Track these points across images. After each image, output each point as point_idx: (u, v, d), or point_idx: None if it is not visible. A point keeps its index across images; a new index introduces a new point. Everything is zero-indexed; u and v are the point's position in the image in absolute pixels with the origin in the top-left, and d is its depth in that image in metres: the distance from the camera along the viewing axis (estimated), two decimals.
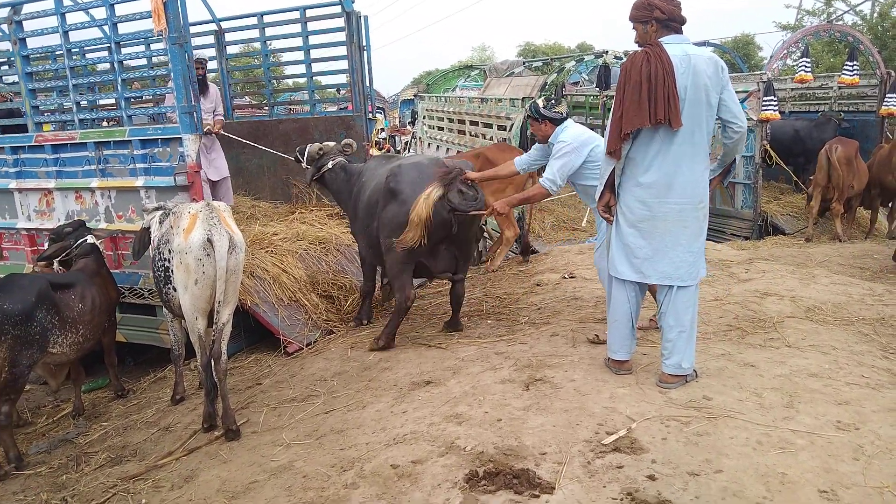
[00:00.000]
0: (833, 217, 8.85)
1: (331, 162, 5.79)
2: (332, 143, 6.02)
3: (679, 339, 3.64)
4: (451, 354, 4.63)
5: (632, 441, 3.12)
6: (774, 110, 9.06)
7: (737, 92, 8.37)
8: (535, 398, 3.67)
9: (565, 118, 4.67)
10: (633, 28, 3.64)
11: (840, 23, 18.67)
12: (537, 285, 6.28)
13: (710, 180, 3.75)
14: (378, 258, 5.30)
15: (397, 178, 4.90)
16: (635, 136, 3.57)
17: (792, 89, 12.29)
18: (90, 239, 5.23)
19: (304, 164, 6.01)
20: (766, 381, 3.72)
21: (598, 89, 12.24)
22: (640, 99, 3.44)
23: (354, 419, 3.85)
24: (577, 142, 4.52)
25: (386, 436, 3.53)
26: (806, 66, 10.18)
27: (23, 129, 6.41)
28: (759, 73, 9.88)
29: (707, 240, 3.94)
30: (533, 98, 9.69)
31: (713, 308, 5.04)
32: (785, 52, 11.12)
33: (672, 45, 3.48)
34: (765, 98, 8.99)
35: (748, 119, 8.56)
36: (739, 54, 20.58)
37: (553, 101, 4.81)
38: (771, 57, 11.31)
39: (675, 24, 3.53)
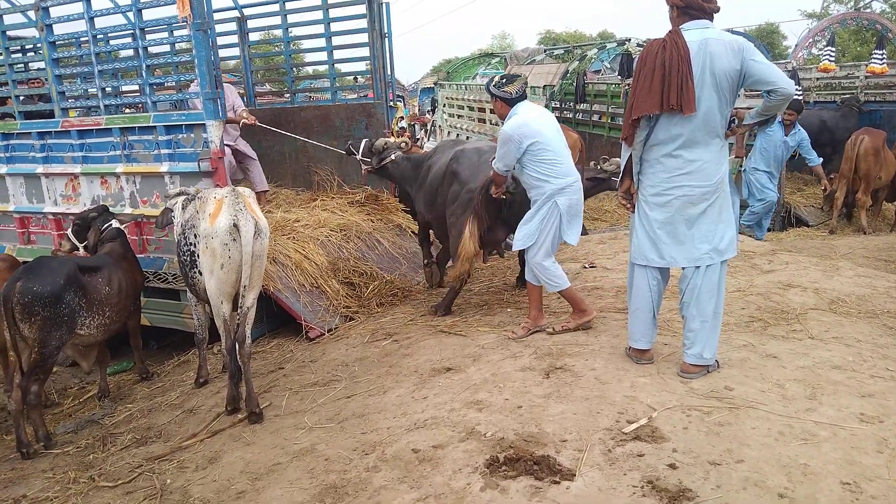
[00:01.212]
0: (859, 209, 8.74)
1: (393, 154, 6.37)
2: (391, 139, 6.60)
3: (702, 328, 3.63)
4: (471, 342, 4.65)
5: (653, 430, 3.13)
6: (800, 99, 8.97)
7: None
8: (556, 386, 3.69)
9: (514, 98, 4.57)
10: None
11: (868, 10, 18.35)
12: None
13: (742, 125, 3.83)
14: (443, 233, 5.79)
15: (459, 161, 5.42)
16: (655, 122, 3.57)
17: (817, 79, 12.11)
18: (115, 224, 5.31)
19: (359, 157, 6.53)
20: (788, 372, 3.70)
21: (620, 77, 12.13)
22: (651, 85, 3.45)
23: (376, 404, 3.89)
24: (516, 133, 4.42)
25: (407, 420, 3.57)
26: (830, 56, 10.04)
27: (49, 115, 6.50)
28: (783, 62, 9.76)
29: None
30: (554, 86, 9.69)
31: (735, 299, 5.01)
32: (810, 40, 10.98)
33: (691, 32, 3.46)
34: None
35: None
36: (763, 43, 20.31)
37: (505, 80, 4.68)
38: (796, 46, 11.18)
39: (693, 11, 3.50)
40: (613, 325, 4.64)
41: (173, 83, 7.89)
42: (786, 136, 8.19)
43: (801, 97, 9.03)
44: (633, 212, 3.86)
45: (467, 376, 4.02)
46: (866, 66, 10.47)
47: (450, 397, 3.75)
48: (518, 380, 3.83)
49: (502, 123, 4.71)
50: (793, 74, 8.90)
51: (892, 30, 10.35)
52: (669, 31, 3.52)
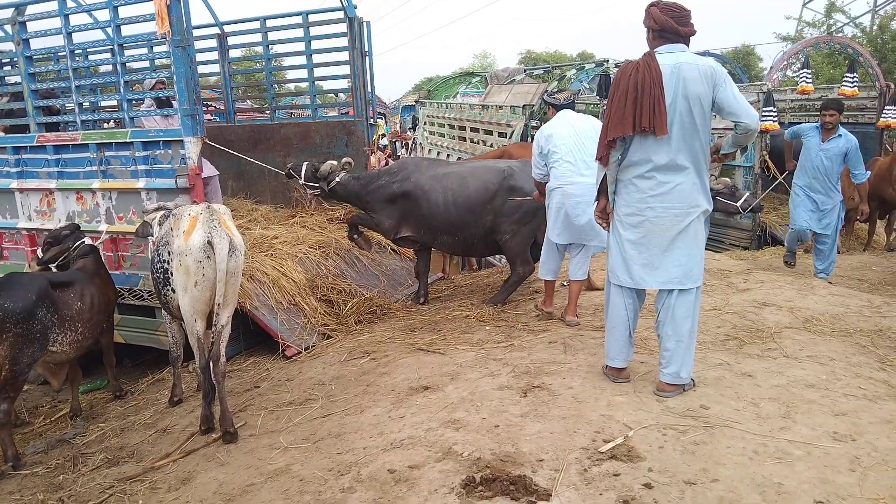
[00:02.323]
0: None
1: (338, 176, 6.38)
2: (333, 163, 6.48)
3: (677, 348, 3.66)
4: (450, 360, 4.63)
5: (629, 449, 3.13)
6: (774, 121, 9.07)
7: None
8: (533, 405, 3.68)
9: (560, 105, 5.33)
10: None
11: (840, 35, 18.77)
12: (536, 292, 6.29)
13: (721, 154, 3.88)
14: (484, 243, 6.18)
15: (515, 177, 5.88)
16: (629, 143, 3.61)
17: (792, 100, 12.32)
18: (87, 240, 5.24)
19: (301, 182, 6.51)
20: (763, 391, 3.73)
21: (598, 97, 12.28)
22: (625, 107, 3.50)
23: (352, 423, 3.85)
24: (541, 135, 5.15)
25: (383, 440, 3.54)
26: (807, 78, 10.21)
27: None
28: (759, 83, 9.92)
29: (706, 249, 3.97)
30: (533, 106, 9.77)
31: (711, 317, 5.05)
32: (785, 62, 11.16)
33: (665, 55, 3.52)
34: (764, 108, 9.01)
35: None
36: (740, 65, 20.67)
37: (556, 90, 5.26)
38: (771, 68, 11.34)
39: (668, 34, 3.57)
40: (591, 343, 4.66)
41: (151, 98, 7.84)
42: (823, 141, 6.81)
43: (775, 119, 9.14)
44: (609, 231, 3.90)
45: (445, 395, 4.00)
46: (839, 88, 10.68)
47: (427, 416, 3.72)
48: (496, 399, 3.82)
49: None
50: (768, 96, 9.03)
51: (863, 54, 10.57)
52: (644, 54, 3.58)
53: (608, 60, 11.52)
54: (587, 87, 15.27)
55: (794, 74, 13.29)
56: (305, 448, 3.67)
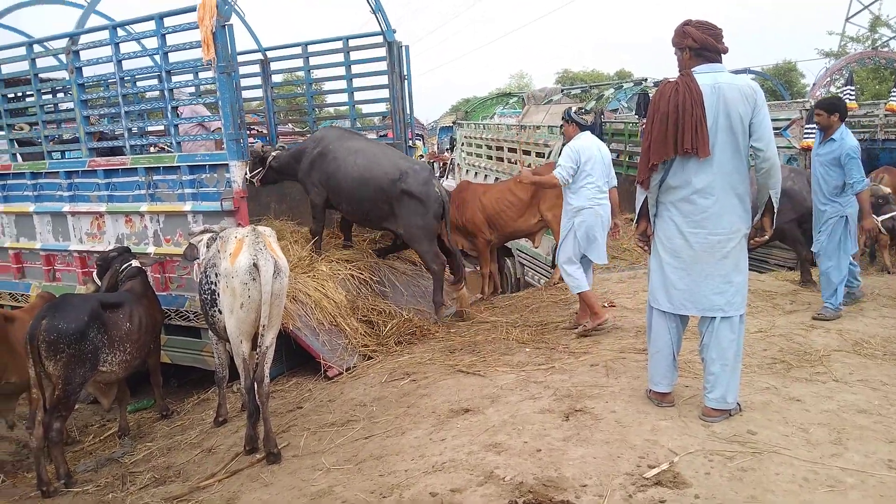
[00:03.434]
0: (880, 249, 8.62)
1: (272, 154, 6.72)
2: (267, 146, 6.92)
3: (722, 372, 3.59)
4: (490, 382, 4.63)
5: (674, 475, 3.08)
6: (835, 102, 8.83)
7: (779, 119, 7.97)
8: (576, 429, 3.65)
9: (586, 126, 5.69)
10: (674, 53, 3.67)
11: (886, 49, 18.37)
12: (576, 313, 6.24)
13: (757, 222, 3.70)
14: (378, 222, 6.77)
15: (408, 181, 6.32)
16: (669, 165, 3.58)
17: None
18: (135, 262, 5.39)
19: (248, 175, 6.05)
20: (812, 416, 3.64)
21: (637, 117, 12.23)
22: (667, 129, 3.47)
23: (393, 445, 3.87)
24: (573, 151, 5.49)
25: (425, 463, 3.54)
26: (851, 94, 10.01)
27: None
28: (801, 100, 9.76)
29: (750, 270, 3.90)
30: None
31: (757, 340, 4.96)
32: (828, 79, 10.99)
33: (703, 75, 3.48)
34: (807, 126, 8.83)
35: (790, 147, 8.45)
36: (781, 81, 20.37)
37: (584, 110, 5.78)
38: (814, 84, 11.18)
39: (708, 53, 3.53)
40: (633, 366, 4.61)
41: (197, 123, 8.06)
42: (819, 145, 5.88)
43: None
44: (650, 254, 3.87)
45: (486, 418, 3.99)
46: (885, 104, 10.44)
47: (468, 439, 3.72)
48: (537, 422, 3.80)
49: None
50: (811, 113, 8.87)
51: None
52: (681, 74, 3.54)
53: (646, 79, 11.48)
54: (625, 105, 15.23)
55: (838, 90, 13.06)
56: (348, 469, 3.70)
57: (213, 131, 7.38)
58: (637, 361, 4.66)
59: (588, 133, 5.71)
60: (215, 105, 5.81)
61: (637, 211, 3.86)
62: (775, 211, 3.68)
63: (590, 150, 5.53)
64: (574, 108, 5.96)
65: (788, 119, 8.94)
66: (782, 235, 6.82)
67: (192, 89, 6.92)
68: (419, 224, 6.38)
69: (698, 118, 3.40)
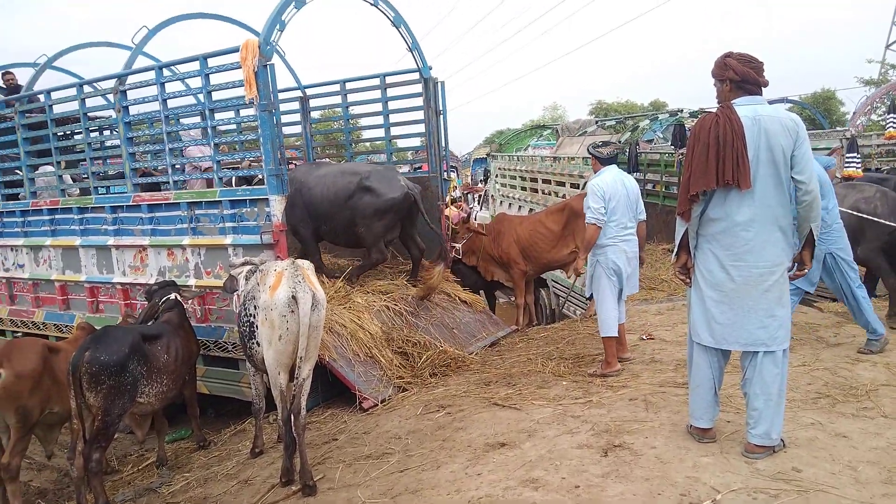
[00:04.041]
0: None
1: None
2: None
3: (766, 407, 3.51)
4: (526, 416, 4.58)
5: None
6: (858, 167, 8.74)
7: (818, 149, 7.78)
8: (615, 465, 3.59)
9: (607, 158, 5.56)
10: (714, 84, 3.67)
11: None
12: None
13: (796, 256, 3.60)
14: (346, 235, 7.07)
15: (370, 179, 6.77)
16: (710, 197, 3.55)
17: (878, 145, 11.86)
18: (174, 295, 5.50)
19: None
20: (860, 453, 3.52)
21: (673, 147, 12.17)
22: (707, 161, 3.45)
23: (429, 479, 3.84)
24: (598, 188, 5.37)
25: (461, 498, 3.51)
26: (893, 123, 9.84)
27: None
28: (841, 129, 9.61)
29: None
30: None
31: (801, 374, 4.83)
32: (869, 107, 10.79)
33: (743, 107, 3.47)
34: (848, 154, 8.70)
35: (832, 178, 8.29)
36: (820, 110, 20.10)
37: (601, 144, 5.73)
38: (854, 112, 10.99)
39: (748, 85, 3.52)
40: (673, 400, 4.52)
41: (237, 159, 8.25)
42: None
43: (859, 165, 8.77)
44: (691, 286, 3.81)
45: (522, 452, 3.95)
46: (886, 132, 10.22)
47: (504, 474, 3.68)
48: (575, 457, 3.74)
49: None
50: (852, 142, 8.73)
51: None
52: (721, 106, 3.54)
53: (682, 110, 11.43)
54: (661, 136, 15.18)
55: (880, 118, 12.83)
56: (383, 503, 3.68)
57: (203, 171, 7.44)
58: (677, 396, 4.58)
59: (613, 167, 5.56)
60: (256, 141, 5.95)
61: (677, 243, 3.82)
62: (815, 244, 3.62)
63: (614, 187, 5.41)
64: (594, 142, 5.86)
65: (828, 148, 8.81)
66: (865, 263, 6.38)
67: (199, 131, 7.05)
68: (371, 216, 6.75)
69: (739, 150, 3.38)
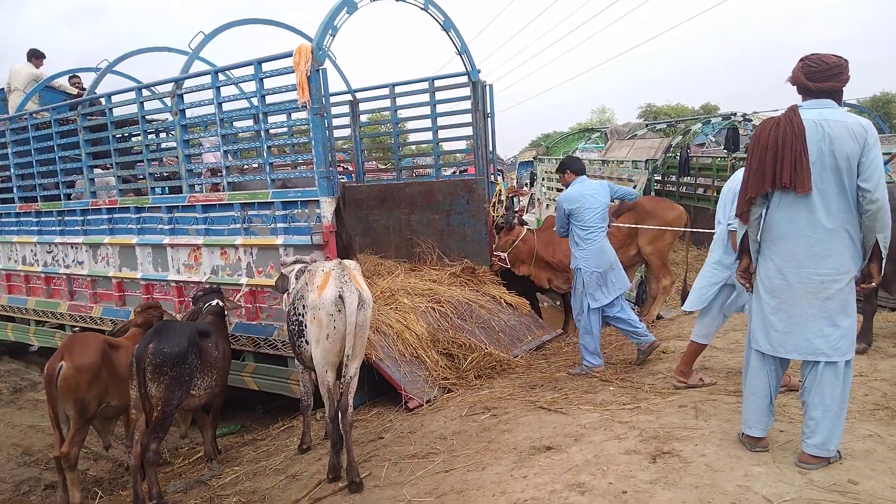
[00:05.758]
0: None
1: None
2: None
3: (824, 417, 3.40)
4: (573, 420, 4.55)
5: None
6: None
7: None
8: (663, 472, 3.53)
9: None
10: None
11: None
12: (663, 353, 6.08)
13: (864, 268, 3.46)
14: None
15: None
16: (770, 200, 3.48)
17: None
18: (216, 301, 5.61)
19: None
20: None
21: (725, 151, 11.94)
22: (765, 162, 3.39)
23: (474, 480, 3.85)
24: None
25: (506, 500, 3.51)
26: None
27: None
28: None
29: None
30: (657, 160, 9.65)
31: (858, 385, 4.67)
32: None
33: (809, 111, 3.39)
34: None
35: (891, 182, 8.02)
36: (879, 114, 19.45)
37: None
38: None
39: (814, 89, 3.43)
40: (724, 408, 4.43)
41: (289, 161, 8.41)
42: None
43: None
44: (752, 292, 3.73)
45: (568, 456, 3.92)
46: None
47: (550, 478, 3.66)
48: (622, 463, 3.70)
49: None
50: None
51: None
52: (787, 109, 3.47)
53: (735, 113, 11.19)
54: (713, 140, 14.89)
55: None
56: (428, 502, 3.70)
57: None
58: (728, 403, 4.49)
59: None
60: (308, 144, 6.05)
61: (738, 247, 3.75)
62: (883, 256, 3.44)
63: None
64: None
65: (889, 153, 8.52)
66: None
67: (216, 139, 7.14)
68: None
69: (798, 152, 3.30)
